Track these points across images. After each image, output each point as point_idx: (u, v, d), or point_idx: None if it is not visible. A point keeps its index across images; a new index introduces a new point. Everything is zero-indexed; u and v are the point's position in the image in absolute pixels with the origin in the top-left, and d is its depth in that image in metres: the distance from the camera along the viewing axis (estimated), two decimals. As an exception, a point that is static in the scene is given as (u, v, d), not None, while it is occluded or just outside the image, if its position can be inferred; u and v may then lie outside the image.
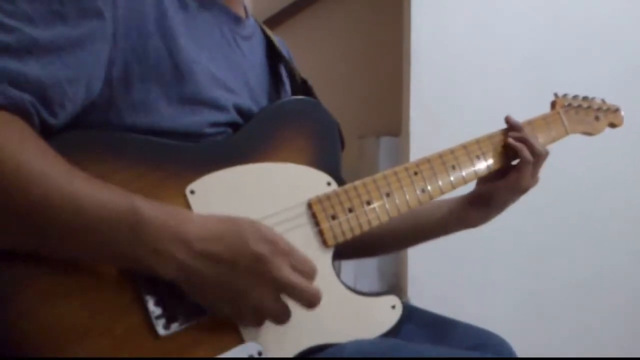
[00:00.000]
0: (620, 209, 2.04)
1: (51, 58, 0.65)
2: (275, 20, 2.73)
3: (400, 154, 2.05)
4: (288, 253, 0.70)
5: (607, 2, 2.02)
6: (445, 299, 1.77)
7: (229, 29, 0.87)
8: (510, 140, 0.98)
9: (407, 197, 0.89)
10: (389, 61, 2.25)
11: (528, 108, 1.89)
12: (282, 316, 0.71)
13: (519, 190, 1.00)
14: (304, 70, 1.01)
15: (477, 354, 0.91)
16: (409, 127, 1.90)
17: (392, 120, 2.17)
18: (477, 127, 1.87)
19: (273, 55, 0.98)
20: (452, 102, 1.93)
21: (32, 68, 0.64)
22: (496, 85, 1.95)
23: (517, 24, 1.97)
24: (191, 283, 0.67)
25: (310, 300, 0.71)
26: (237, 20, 0.90)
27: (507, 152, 0.99)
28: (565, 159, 1.85)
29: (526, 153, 0.96)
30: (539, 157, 0.98)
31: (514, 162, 0.99)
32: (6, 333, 0.62)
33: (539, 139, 1.02)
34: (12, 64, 0.62)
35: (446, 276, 1.90)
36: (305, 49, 2.57)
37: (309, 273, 0.71)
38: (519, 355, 0.98)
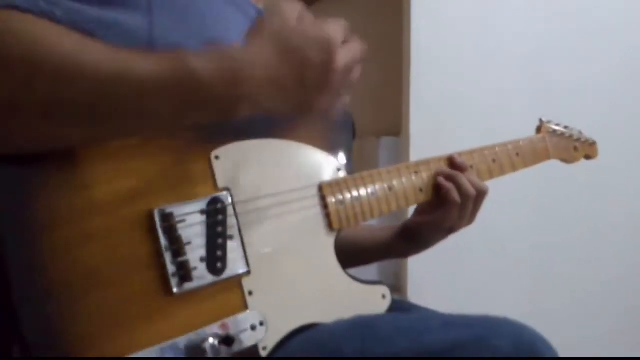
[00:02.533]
0: (621, 210, 2.04)
1: None
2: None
3: (401, 154, 2.05)
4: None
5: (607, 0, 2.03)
6: (445, 299, 1.77)
7: None
8: (440, 179, 0.95)
9: (407, 194, 0.93)
10: (389, 61, 2.25)
11: (528, 107, 1.90)
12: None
13: (444, 230, 0.97)
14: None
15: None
16: (409, 127, 1.90)
17: (392, 120, 2.17)
18: (478, 126, 1.90)
19: None
20: (452, 101, 1.93)
21: None
22: (496, 85, 1.95)
23: (518, 24, 1.97)
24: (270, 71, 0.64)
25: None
26: (260, 14, 0.91)
27: (437, 187, 0.96)
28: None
29: (453, 194, 0.93)
30: (467, 198, 0.94)
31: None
32: (29, 271, 0.62)
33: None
34: None
35: (446, 276, 1.90)
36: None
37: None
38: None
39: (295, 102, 0.67)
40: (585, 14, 2.00)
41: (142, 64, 0.61)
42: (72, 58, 0.59)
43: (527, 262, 1.99)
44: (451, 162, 0.97)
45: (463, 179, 0.94)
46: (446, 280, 1.91)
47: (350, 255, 0.91)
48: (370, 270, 2.07)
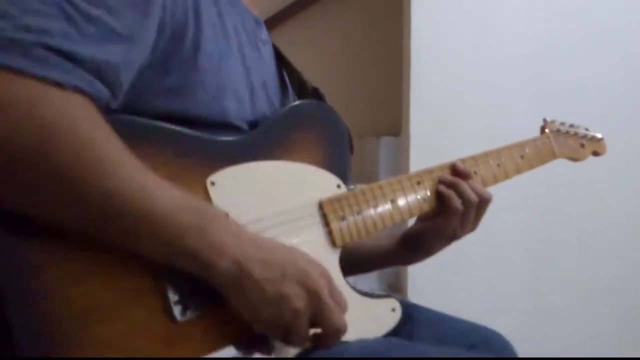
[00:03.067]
0: (621, 210, 2.04)
1: (124, 46, 0.67)
2: (275, 20, 2.73)
3: (400, 154, 2.05)
4: (329, 280, 0.72)
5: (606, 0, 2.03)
6: (444, 298, 1.77)
7: (251, 30, 0.89)
8: (441, 187, 0.93)
9: (410, 206, 0.92)
10: (389, 61, 2.25)
11: (528, 107, 1.90)
12: (305, 337, 0.71)
13: (446, 237, 0.95)
14: (303, 70, 1.02)
15: (476, 354, 0.92)
16: (409, 127, 1.90)
17: (392, 120, 2.17)
18: (478, 126, 1.90)
19: (279, 63, 0.99)
20: (452, 102, 1.93)
21: (114, 55, 0.65)
22: (496, 85, 1.95)
23: (517, 24, 1.97)
24: (240, 283, 0.66)
25: (338, 330, 0.71)
26: (257, 22, 0.92)
27: (439, 195, 0.95)
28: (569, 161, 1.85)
29: (455, 201, 0.92)
30: (468, 205, 0.93)
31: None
32: (27, 307, 0.62)
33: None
34: (99, 53, 0.64)
35: (446, 276, 1.90)
36: (305, 49, 2.57)
37: (342, 305, 0.72)
38: (520, 354, 0.98)
39: (257, 300, 0.67)
40: (585, 14, 2.00)
41: (164, 189, 0.65)
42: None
43: (527, 262, 1.99)
44: (453, 169, 0.95)
45: (464, 185, 0.93)
46: (446, 280, 1.91)
47: (352, 263, 0.90)
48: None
